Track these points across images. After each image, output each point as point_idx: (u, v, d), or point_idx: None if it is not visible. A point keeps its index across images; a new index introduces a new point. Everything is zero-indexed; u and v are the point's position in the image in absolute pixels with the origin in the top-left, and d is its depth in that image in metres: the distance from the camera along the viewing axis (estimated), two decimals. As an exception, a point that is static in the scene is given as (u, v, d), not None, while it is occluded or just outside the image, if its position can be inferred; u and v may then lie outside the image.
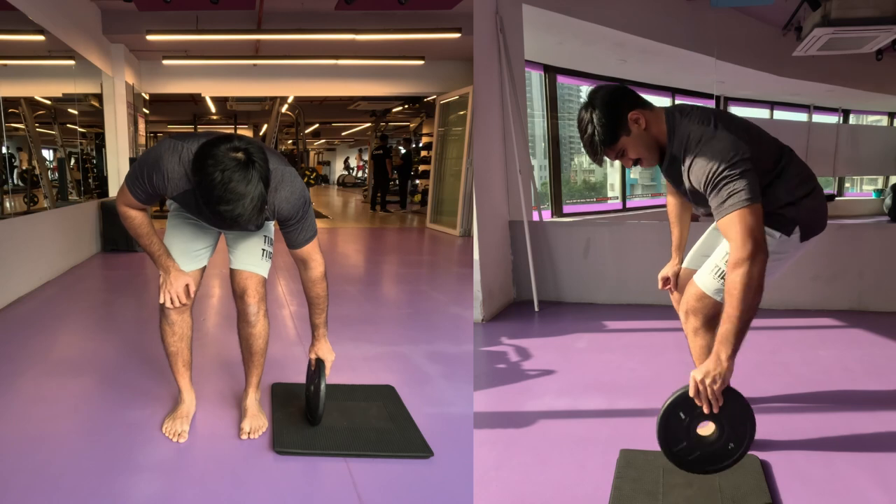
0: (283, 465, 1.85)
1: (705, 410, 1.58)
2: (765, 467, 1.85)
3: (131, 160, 7.08)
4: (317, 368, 2.03)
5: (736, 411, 1.60)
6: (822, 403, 2.36)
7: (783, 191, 1.78)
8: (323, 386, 1.98)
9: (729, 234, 1.60)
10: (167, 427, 2.02)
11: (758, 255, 1.56)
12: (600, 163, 1.83)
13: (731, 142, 1.64)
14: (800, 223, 1.80)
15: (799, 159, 1.84)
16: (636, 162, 1.80)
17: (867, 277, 3.69)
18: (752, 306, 1.57)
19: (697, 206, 1.87)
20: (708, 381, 1.55)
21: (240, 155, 1.58)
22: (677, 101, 7.32)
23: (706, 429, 1.65)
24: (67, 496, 1.69)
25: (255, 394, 2.12)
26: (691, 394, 1.57)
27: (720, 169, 1.60)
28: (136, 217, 1.90)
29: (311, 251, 1.95)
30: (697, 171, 1.65)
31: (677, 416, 1.62)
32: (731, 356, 1.57)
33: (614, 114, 1.71)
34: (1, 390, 2.42)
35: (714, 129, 1.67)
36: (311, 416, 2.05)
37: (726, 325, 1.58)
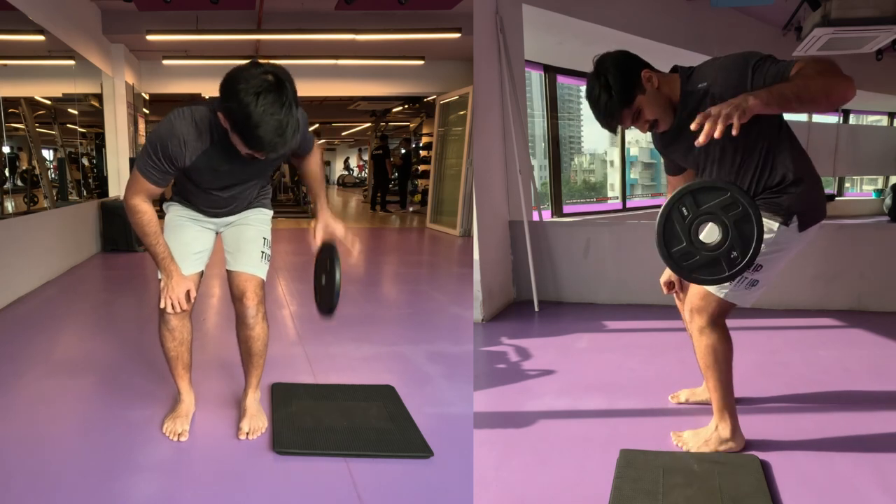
0: (283, 465, 1.85)
1: (727, 123, 1.40)
2: (765, 467, 1.85)
3: (131, 160, 7.08)
4: (329, 254, 1.91)
5: (744, 214, 1.50)
6: (822, 403, 2.36)
7: (780, 163, 1.77)
8: (338, 274, 1.83)
9: (804, 69, 1.54)
10: (167, 427, 2.02)
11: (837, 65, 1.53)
12: (614, 129, 1.81)
13: (741, 53, 1.67)
14: (797, 211, 1.78)
15: (798, 143, 1.84)
16: (652, 126, 1.79)
17: (867, 277, 3.69)
18: (822, 89, 1.48)
19: (702, 168, 1.86)
20: (726, 111, 1.41)
21: (271, 77, 1.55)
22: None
23: (710, 234, 1.57)
24: (67, 496, 1.69)
25: (254, 394, 2.12)
26: (698, 122, 1.41)
27: (744, 56, 1.65)
28: (145, 213, 1.84)
29: (315, 150, 2.06)
30: (725, 75, 1.67)
31: (680, 212, 1.52)
32: (762, 103, 1.44)
33: (628, 73, 1.72)
34: (1, 391, 2.42)
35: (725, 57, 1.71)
36: (324, 308, 1.92)
37: (783, 85, 1.51)
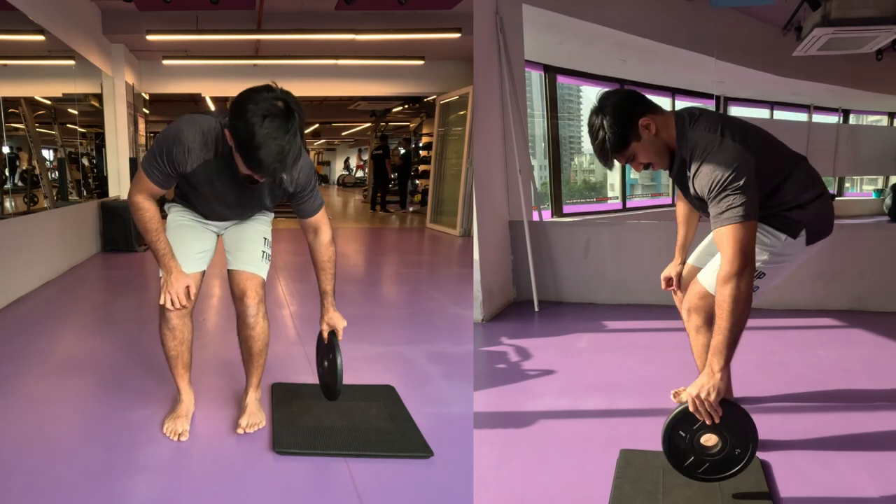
0: (283, 465, 1.85)
1: (707, 422, 1.61)
2: (765, 467, 1.85)
3: (131, 160, 7.08)
4: (330, 341, 2.00)
5: (733, 419, 1.63)
6: (822, 403, 2.36)
7: (790, 194, 1.79)
8: (339, 359, 1.95)
9: (721, 247, 1.63)
10: (167, 427, 2.02)
11: (746, 270, 1.60)
12: (611, 167, 1.85)
13: (736, 152, 1.64)
14: (806, 226, 1.80)
15: (809, 166, 1.85)
16: (647, 166, 1.81)
17: (867, 277, 3.69)
18: (742, 319, 1.61)
19: (703, 213, 1.88)
20: (703, 395, 1.58)
21: (280, 104, 1.57)
22: (677, 102, 7.33)
23: (709, 440, 1.68)
24: (67, 496, 1.69)
25: (255, 393, 2.12)
26: (691, 409, 1.60)
27: (722, 181, 1.62)
28: (148, 210, 1.87)
29: (321, 218, 2.03)
30: (701, 179, 1.67)
31: (679, 435, 1.66)
32: (724, 367, 1.60)
33: (625, 120, 1.72)
34: (1, 391, 2.42)
35: (721, 137, 1.68)
36: (328, 393, 2.03)
37: (718, 337, 1.61)
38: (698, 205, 1.83)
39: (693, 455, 1.67)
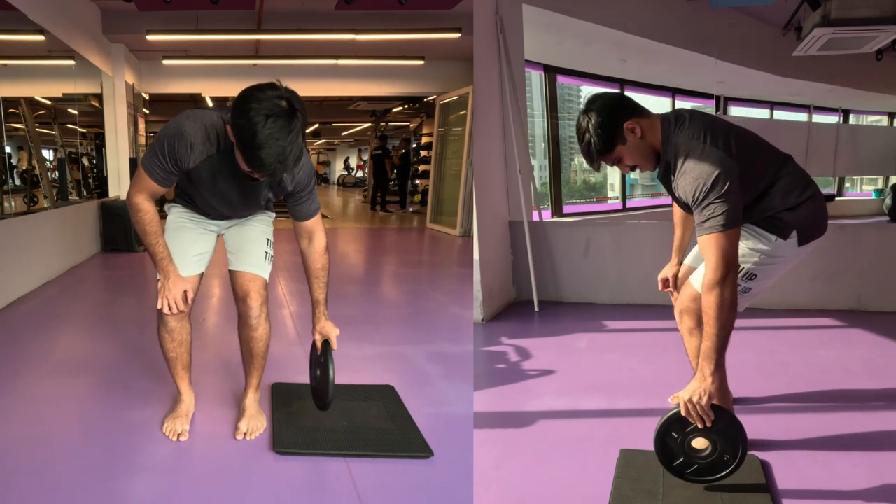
0: (283, 465, 1.85)
1: (699, 426, 1.64)
2: (765, 467, 1.85)
3: (131, 160, 7.07)
4: (323, 350, 1.98)
5: (724, 425, 1.66)
6: (822, 403, 2.36)
7: (779, 198, 1.79)
8: (331, 369, 1.94)
9: (705, 255, 1.65)
10: (167, 426, 2.02)
11: (728, 278, 1.62)
12: (598, 169, 1.89)
13: (717, 159, 1.65)
14: (797, 227, 1.80)
15: (798, 167, 1.85)
16: (633, 168, 1.83)
17: (867, 277, 3.69)
18: (729, 324, 1.63)
19: (692, 214, 1.88)
20: (695, 399, 1.61)
21: (284, 104, 1.56)
22: (677, 101, 7.32)
23: (700, 443, 1.72)
24: (68, 496, 1.69)
25: (254, 394, 2.12)
26: (682, 413, 1.63)
27: (703, 188, 1.64)
28: (147, 212, 1.85)
29: (317, 223, 1.99)
30: (684, 185, 1.68)
31: (671, 436, 1.70)
32: (715, 371, 1.63)
33: (611, 123, 1.74)
34: (1, 391, 2.42)
35: (703, 143, 1.69)
36: (319, 402, 2.01)
37: (707, 343, 1.63)
38: (685, 207, 1.84)
39: (683, 457, 1.70)
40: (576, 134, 1.82)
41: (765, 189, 1.79)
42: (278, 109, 1.55)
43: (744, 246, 1.79)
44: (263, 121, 1.53)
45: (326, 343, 1.99)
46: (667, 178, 1.80)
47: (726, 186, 1.62)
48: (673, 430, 1.69)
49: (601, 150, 1.75)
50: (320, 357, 2.00)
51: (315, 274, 2.01)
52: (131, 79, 7.44)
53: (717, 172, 1.63)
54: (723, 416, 1.65)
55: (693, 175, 1.66)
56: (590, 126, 1.74)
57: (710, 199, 1.63)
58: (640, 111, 1.77)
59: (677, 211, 2.19)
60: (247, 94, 1.57)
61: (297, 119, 1.57)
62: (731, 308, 1.63)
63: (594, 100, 1.77)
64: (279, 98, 1.56)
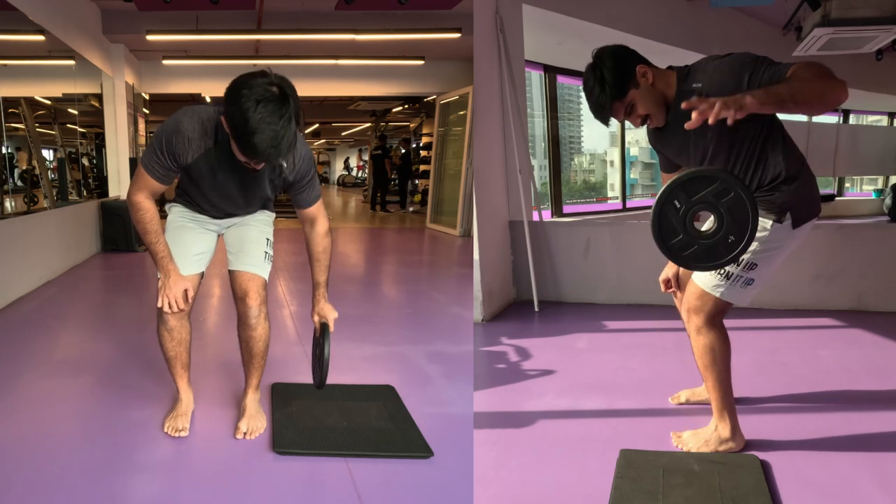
0: (283, 465, 1.85)
1: (727, 119, 1.42)
2: (765, 467, 1.85)
3: (131, 160, 7.07)
4: (322, 332, 2.00)
5: (736, 199, 1.51)
6: (822, 403, 2.36)
7: (773, 161, 1.77)
8: (327, 350, 1.95)
9: (799, 72, 1.57)
10: (168, 425, 2.02)
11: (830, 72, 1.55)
12: (607, 121, 1.83)
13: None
14: (789, 208, 1.78)
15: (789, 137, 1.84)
16: (644, 120, 1.81)
17: (867, 277, 3.69)
18: (817, 92, 1.51)
19: (692, 162, 1.86)
20: (723, 103, 1.43)
21: (275, 89, 1.57)
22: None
23: (704, 224, 1.61)
24: (68, 496, 1.69)
25: (254, 394, 2.12)
26: (719, 107, 1.41)
27: (751, 59, 1.64)
28: (148, 210, 1.85)
29: (319, 209, 2.03)
30: (723, 73, 1.65)
31: (672, 205, 1.55)
32: (758, 102, 1.45)
33: (623, 67, 1.74)
34: (1, 391, 2.42)
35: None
36: (317, 380, 2.03)
37: (779, 86, 1.52)
38: (695, 142, 1.80)
39: (682, 234, 1.56)
40: (584, 89, 1.80)
41: (763, 148, 1.77)
42: (269, 94, 1.55)
43: None
44: (254, 106, 1.54)
45: (325, 325, 2.00)
46: (675, 129, 1.77)
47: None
48: (676, 197, 1.51)
49: (614, 94, 1.73)
50: (319, 339, 2.02)
51: (316, 256, 2.04)
52: (131, 79, 7.44)
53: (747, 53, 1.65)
54: (736, 184, 1.48)
55: (724, 64, 1.66)
56: (603, 72, 1.73)
57: (754, 62, 1.63)
58: (648, 61, 1.79)
59: None
60: (238, 83, 1.58)
61: (288, 104, 1.57)
62: (829, 86, 1.54)
63: (602, 50, 1.78)
64: (269, 84, 1.57)
